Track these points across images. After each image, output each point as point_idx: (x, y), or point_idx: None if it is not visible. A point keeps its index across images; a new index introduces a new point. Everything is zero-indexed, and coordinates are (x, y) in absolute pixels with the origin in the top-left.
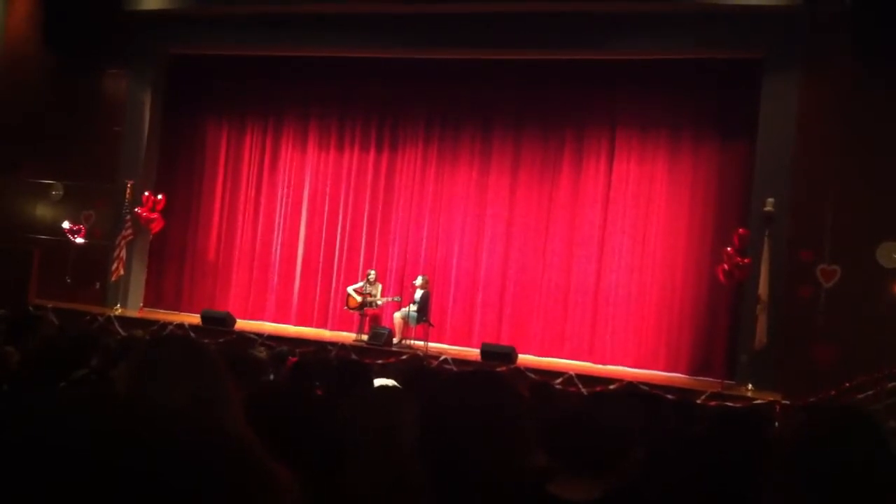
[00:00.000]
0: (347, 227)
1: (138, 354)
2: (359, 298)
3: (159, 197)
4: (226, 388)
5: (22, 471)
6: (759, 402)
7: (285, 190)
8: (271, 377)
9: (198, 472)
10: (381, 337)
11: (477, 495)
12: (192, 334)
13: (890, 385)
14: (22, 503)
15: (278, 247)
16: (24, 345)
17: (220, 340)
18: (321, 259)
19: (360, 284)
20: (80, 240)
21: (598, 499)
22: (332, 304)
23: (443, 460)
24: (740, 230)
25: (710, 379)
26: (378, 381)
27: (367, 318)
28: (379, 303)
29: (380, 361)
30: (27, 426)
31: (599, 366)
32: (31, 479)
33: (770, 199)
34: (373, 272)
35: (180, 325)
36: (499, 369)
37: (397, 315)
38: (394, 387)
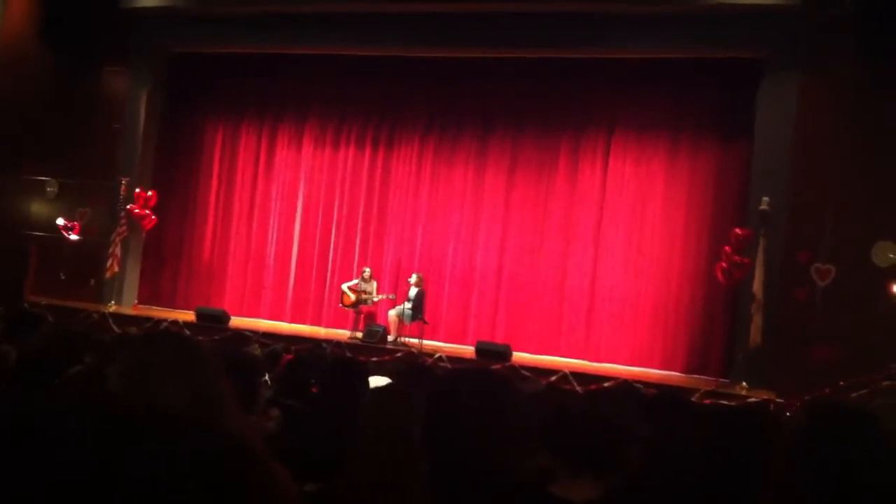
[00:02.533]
0: (343, 225)
1: (131, 352)
2: (353, 296)
3: (149, 193)
4: (221, 386)
5: (18, 471)
6: (753, 400)
7: (281, 188)
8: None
9: (195, 471)
10: (375, 334)
11: (476, 495)
12: (186, 331)
13: (884, 384)
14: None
15: (273, 244)
16: (21, 343)
17: (215, 338)
18: (316, 256)
19: (354, 282)
20: (74, 236)
21: (597, 499)
22: (326, 301)
23: (442, 459)
24: (738, 230)
25: (706, 377)
26: (373, 380)
27: (362, 316)
28: (374, 300)
29: (374, 359)
30: (23, 427)
31: (595, 364)
32: (27, 479)
33: (766, 199)
34: (368, 270)
35: (175, 323)
36: (494, 367)
37: (392, 313)
38: (398, 387)
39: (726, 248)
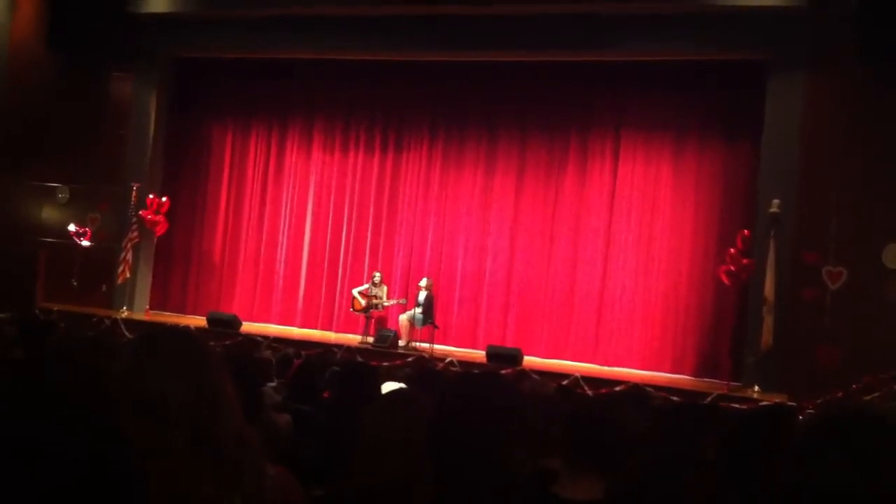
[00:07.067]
0: (352, 230)
1: (132, 350)
2: (363, 301)
3: (163, 199)
4: (223, 384)
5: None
6: (765, 403)
7: (290, 192)
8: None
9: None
10: (386, 339)
11: (481, 496)
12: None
13: None
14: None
15: (284, 249)
16: (32, 349)
17: (227, 343)
18: (326, 261)
19: (365, 287)
20: (85, 242)
21: (602, 499)
22: (337, 306)
23: (448, 462)
24: (744, 231)
25: (717, 381)
26: (387, 385)
27: (373, 320)
28: (385, 305)
29: (385, 363)
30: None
31: (605, 367)
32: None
33: (776, 201)
34: (378, 274)
35: (187, 328)
36: (504, 371)
37: (403, 317)
38: (407, 390)
39: (731, 249)
